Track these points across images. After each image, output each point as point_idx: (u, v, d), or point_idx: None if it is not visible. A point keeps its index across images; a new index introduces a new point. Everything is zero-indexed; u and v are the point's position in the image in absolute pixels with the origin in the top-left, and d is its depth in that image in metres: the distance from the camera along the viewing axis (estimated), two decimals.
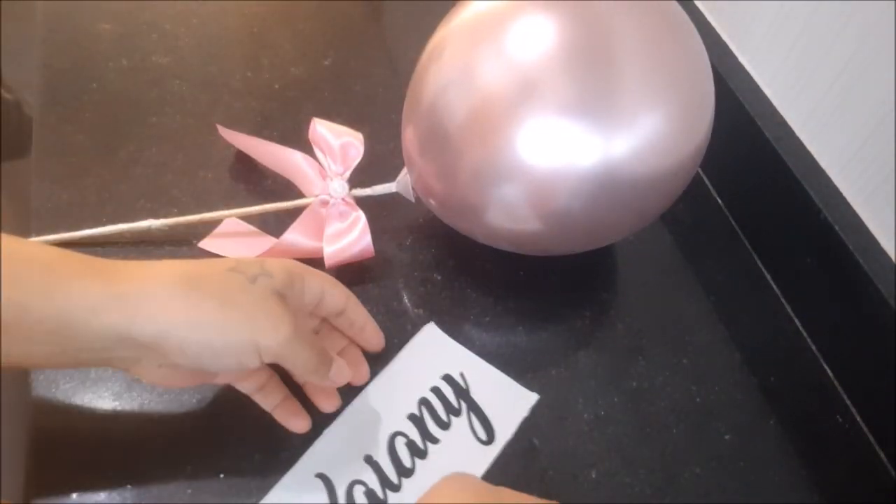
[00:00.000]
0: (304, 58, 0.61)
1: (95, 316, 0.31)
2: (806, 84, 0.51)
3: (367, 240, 0.46)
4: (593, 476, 0.42)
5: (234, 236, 0.48)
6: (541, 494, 0.34)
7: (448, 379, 0.43)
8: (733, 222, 0.57)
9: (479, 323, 0.47)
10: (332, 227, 0.47)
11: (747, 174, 0.55)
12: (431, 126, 0.41)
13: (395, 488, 0.38)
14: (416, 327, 0.46)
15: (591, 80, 0.37)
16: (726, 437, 0.45)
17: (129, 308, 0.31)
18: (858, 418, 0.47)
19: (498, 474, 0.40)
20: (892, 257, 0.45)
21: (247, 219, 0.49)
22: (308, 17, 0.65)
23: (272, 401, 0.39)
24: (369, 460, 0.39)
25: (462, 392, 0.43)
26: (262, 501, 0.37)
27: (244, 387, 0.39)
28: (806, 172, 0.49)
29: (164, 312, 0.32)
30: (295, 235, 0.46)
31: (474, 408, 0.42)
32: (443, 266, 0.50)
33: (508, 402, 0.43)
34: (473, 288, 0.49)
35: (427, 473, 0.39)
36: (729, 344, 0.49)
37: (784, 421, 0.46)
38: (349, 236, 0.46)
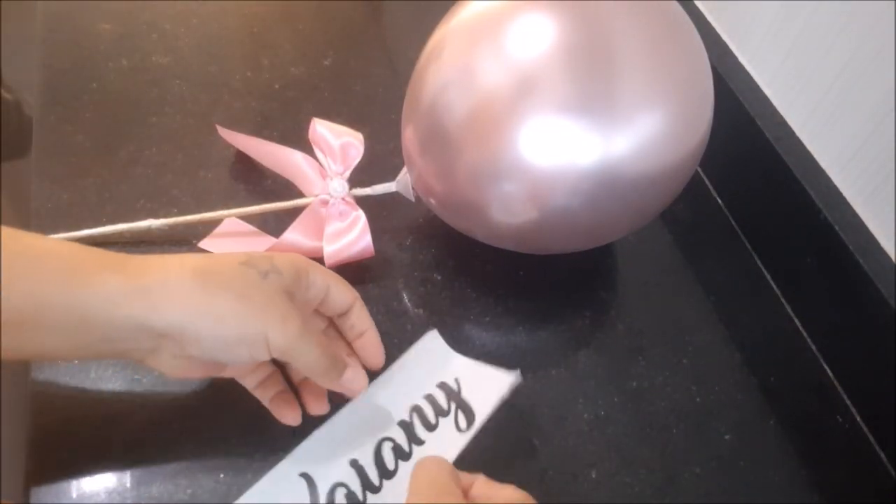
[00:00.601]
0: (304, 58, 0.61)
1: (116, 307, 0.32)
2: (806, 84, 0.51)
3: (367, 239, 0.46)
4: (593, 476, 0.42)
5: (234, 236, 0.48)
6: (541, 494, 0.34)
7: (442, 386, 0.43)
8: (733, 222, 0.57)
9: (479, 323, 0.47)
10: (331, 227, 0.47)
11: (747, 174, 0.55)
12: (431, 125, 0.41)
13: (375, 490, 0.38)
14: (415, 327, 0.46)
15: (590, 80, 0.37)
16: (726, 437, 0.45)
17: (149, 299, 0.32)
18: (858, 418, 0.47)
19: (497, 474, 0.40)
20: (892, 257, 0.45)
21: (247, 219, 0.49)
22: (308, 17, 0.65)
23: (269, 393, 0.39)
24: (355, 464, 0.39)
25: (453, 394, 0.42)
26: (244, 496, 0.37)
27: (248, 382, 0.39)
28: (806, 172, 0.49)
29: (183, 303, 0.33)
30: (295, 235, 0.46)
31: (462, 406, 0.42)
32: (443, 266, 0.50)
33: (491, 387, 0.42)
34: (473, 288, 0.49)
35: (408, 474, 0.38)
36: (729, 344, 0.49)
37: (784, 421, 0.46)
38: (349, 235, 0.46)
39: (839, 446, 0.46)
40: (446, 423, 0.41)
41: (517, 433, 0.42)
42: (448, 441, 0.40)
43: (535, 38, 0.38)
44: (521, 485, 0.35)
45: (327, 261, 0.46)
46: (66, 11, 0.60)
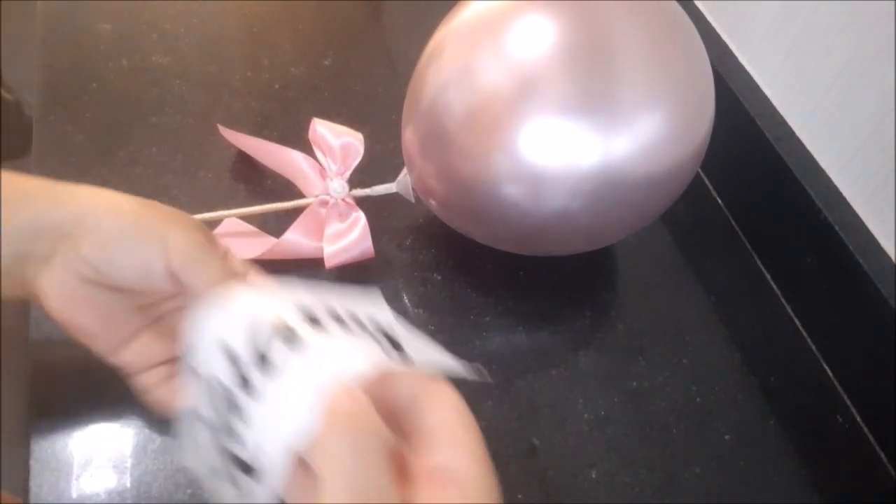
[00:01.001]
0: (304, 58, 0.61)
1: (24, 203, 0.33)
2: (806, 84, 0.51)
3: (367, 240, 0.46)
4: (593, 476, 0.42)
5: (234, 236, 0.48)
6: (541, 494, 0.34)
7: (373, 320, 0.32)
8: (733, 222, 0.57)
9: (479, 323, 0.47)
10: (332, 228, 0.47)
11: (747, 174, 0.55)
12: (431, 126, 0.41)
13: (252, 391, 0.27)
14: (415, 327, 0.46)
15: (590, 80, 0.37)
16: (726, 437, 0.45)
17: (56, 195, 0.34)
18: (858, 418, 0.47)
19: (497, 474, 0.40)
20: (892, 257, 0.45)
21: (247, 219, 0.49)
22: (308, 17, 0.65)
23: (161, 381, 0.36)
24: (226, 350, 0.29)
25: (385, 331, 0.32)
26: None
27: (149, 377, 0.36)
28: (806, 172, 0.49)
29: (89, 198, 0.34)
30: (295, 235, 0.46)
31: (394, 343, 0.31)
32: (443, 266, 0.50)
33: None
34: (473, 288, 0.49)
35: (296, 369, 0.27)
36: (729, 344, 0.49)
37: (784, 421, 0.46)
38: (349, 236, 0.46)
39: (839, 446, 0.46)
40: (366, 338, 0.30)
41: (517, 433, 0.42)
42: (363, 346, 0.29)
43: (536, 38, 0.38)
44: (522, 485, 0.35)
45: (327, 262, 0.46)
46: (66, 11, 0.60)
